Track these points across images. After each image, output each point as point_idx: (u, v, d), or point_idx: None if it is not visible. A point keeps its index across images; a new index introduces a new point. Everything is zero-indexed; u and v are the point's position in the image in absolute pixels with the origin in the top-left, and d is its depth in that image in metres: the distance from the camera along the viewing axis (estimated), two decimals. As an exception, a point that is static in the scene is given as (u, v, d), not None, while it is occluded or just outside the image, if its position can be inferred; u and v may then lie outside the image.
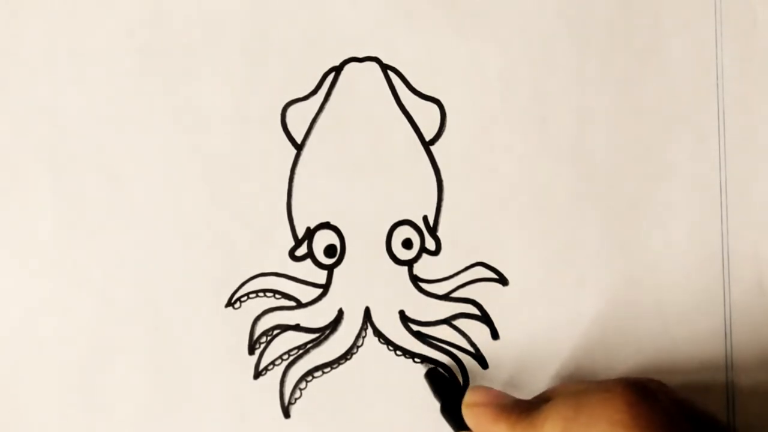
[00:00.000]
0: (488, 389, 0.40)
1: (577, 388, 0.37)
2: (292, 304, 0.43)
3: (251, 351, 0.43)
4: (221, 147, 0.43)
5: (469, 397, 0.40)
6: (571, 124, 0.43)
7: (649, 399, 0.35)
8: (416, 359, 0.43)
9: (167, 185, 0.43)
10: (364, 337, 0.43)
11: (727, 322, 0.43)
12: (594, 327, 0.43)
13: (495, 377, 0.42)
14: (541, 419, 0.36)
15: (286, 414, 0.43)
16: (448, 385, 0.42)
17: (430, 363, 0.43)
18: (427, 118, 0.44)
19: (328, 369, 0.43)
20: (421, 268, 0.43)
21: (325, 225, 0.43)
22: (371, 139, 0.43)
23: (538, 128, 0.43)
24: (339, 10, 0.44)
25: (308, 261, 0.43)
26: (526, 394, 0.41)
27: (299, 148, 0.43)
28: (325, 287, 0.43)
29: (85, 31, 0.44)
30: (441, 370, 0.42)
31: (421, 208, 0.43)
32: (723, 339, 0.43)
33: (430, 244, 0.43)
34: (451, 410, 0.41)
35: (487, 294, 0.43)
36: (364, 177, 0.43)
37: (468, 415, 0.39)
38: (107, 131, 0.43)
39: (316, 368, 0.43)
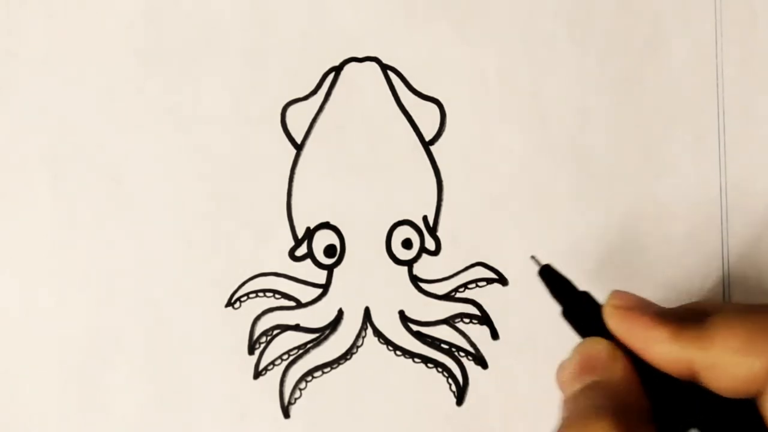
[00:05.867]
0: (633, 294, 0.36)
1: (745, 306, 0.34)
2: (292, 304, 0.43)
3: (251, 351, 0.43)
4: (221, 147, 0.43)
5: (616, 300, 0.35)
6: (571, 124, 0.43)
7: None
8: (416, 359, 0.43)
9: (167, 185, 0.43)
10: (364, 337, 0.43)
11: (727, 322, 0.43)
12: (594, 327, 0.43)
13: (495, 377, 0.42)
14: (711, 332, 0.33)
15: (286, 414, 0.43)
16: (565, 286, 0.37)
17: (538, 263, 0.38)
18: (426, 118, 0.44)
19: (328, 369, 0.43)
20: (420, 268, 0.43)
21: (325, 225, 0.43)
22: (371, 139, 0.44)
23: (538, 128, 0.43)
24: (339, 10, 0.44)
25: (308, 261, 0.43)
26: (527, 393, 0.41)
27: (299, 148, 0.43)
28: (325, 287, 0.43)
29: (85, 30, 0.44)
30: (555, 268, 0.37)
31: (420, 208, 0.43)
32: (723, 339, 0.43)
33: (430, 244, 0.43)
34: (575, 314, 0.36)
35: (487, 294, 0.43)
36: (364, 177, 0.43)
37: (615, 318, 0.35)
38: (107, 131, 0.43)
39: (316, 368, 0.43)
